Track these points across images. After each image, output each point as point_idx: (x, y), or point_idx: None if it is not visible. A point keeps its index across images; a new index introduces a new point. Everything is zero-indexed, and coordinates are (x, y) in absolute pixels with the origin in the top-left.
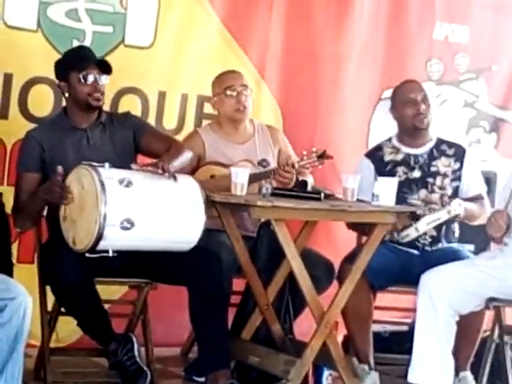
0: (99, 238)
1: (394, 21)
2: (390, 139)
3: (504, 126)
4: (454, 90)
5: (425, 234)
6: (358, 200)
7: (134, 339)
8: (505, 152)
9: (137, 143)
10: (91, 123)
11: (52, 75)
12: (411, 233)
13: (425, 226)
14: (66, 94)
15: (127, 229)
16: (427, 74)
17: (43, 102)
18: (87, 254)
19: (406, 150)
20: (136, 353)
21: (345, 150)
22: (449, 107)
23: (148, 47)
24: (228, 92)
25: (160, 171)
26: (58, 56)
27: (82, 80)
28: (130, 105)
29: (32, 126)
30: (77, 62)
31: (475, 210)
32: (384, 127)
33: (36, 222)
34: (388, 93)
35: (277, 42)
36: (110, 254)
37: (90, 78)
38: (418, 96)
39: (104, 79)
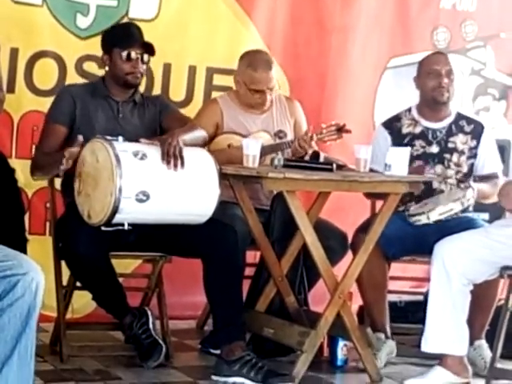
0: (115, 210)
1: None
2: (409, 109)
3: None
4: (460, 58)
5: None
6: (371, 170)
7: (149, 312)
8: None
9: (160, 122)
10: (125, 98)
11: (57, 49)
12: (422, 219)
13: (437, 215)
14: (107, 68)
15: (143, 201)
16: (433, 43)
17: (48, 75)
18: (103, 228)
19: (424, 123)
20: (151, 326)
21: (351, 119)
22: (455, 75)
23: (152, 20)
24: (253, 91)
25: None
26: (63, 30)
27: (125, 58)
28: None
29: (38, 99)
30: (122, 39)
31: (488, 190)
32: (390, 96)
33: (50, 177)
34: (394, 61)
35: (284, 12)
36: (126, 227)
37: (132, 57)
38: (443, 69)
39: (146, 59)
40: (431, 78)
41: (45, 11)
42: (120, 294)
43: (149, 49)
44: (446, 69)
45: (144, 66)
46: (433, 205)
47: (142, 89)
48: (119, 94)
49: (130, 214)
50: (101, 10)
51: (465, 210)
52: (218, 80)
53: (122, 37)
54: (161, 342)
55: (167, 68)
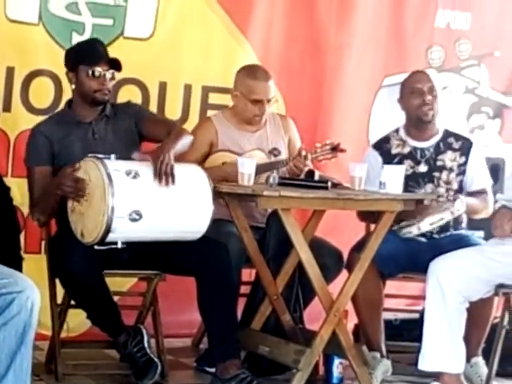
0: (108, 230)
1: (396, 9)
2: (397, 130)
3: (507, 111)
4: (454, 77)
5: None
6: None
7: (144, 331)
8: (509, 138)
9: (139, 130)
10: (96, 116)
11: (53, 67)
12: (413, 231)
13: (428, 226)
14: (73, 86)
15: (135, 220)
16: (428, 62)
17: (44, 94)
18: (96, 247)
19: (412, 143)
20: (146, 344)
21: (346, 137)
22: (449, 94)
23: (147, 38)
24: (254, 102)
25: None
26: (59, 49)
27: (91, 75)
28: (130, 95)
29: (34, 117)
30: (87, 56)
31: (477, 205)
32: (384, 114)
33: (53, 214)
34: (389, 80)
35: (279, 31)
36: (119, 246)
37: (98, 74)
38: (425, 86)
39: (112, 76)
40: (414, 96)
41: (41, 30)
42: (114, 312)
43: (115, 65)
44: (427, 86)
45: (111, 83)
46: (423, 216)
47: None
48: (89, 115)
49: (123, 233)
50: (96, 29)
51: (457, 226)
52: (214, 99)
53: (88, 53)
54: (156, 360)
55: (163, 86)
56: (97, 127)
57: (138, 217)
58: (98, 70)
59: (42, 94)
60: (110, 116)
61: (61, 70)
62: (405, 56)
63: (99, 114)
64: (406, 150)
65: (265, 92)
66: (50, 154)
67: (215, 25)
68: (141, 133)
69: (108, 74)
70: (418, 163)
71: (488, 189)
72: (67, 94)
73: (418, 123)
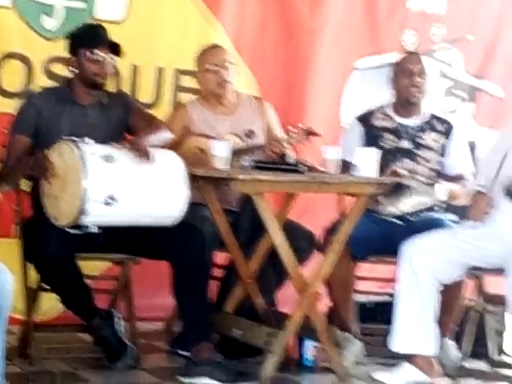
0: (81, 213)
1: None
2: (382, 106)
3: (481, 95)
4: (428, 60)
5: None
6: (344, 161)
7: (117, 314)
8: (482, 121)
9: (126, 122)
10: (92, 101)
11: (24, 51)
12: (393, 211)
13: (409, 207)
14: (73, 69)
15: (110, 204)
16: (401, 45)
17: (16, 77)
18: (70, 230)
19: (398, 119)
20: (119, 328)
21: (319, 121)
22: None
23: (120, 21)
24: (208, 68)
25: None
26: (30, 32)
27: (91, 57)
28: None
29: (5, 101)
30: (88, 40)
31: (457, 190)
32: (357, 97)
33: (15, 186)
34: (361, 63)
35: (252, 14)
36: (93, 230)
37: (99, 57)
38: (415, 68)
39: (113, 60)
40: (404, 76)
41: (13, 12)
42: (87, 296)
43: (115, 49)
44: (417, 67)
45: (111, 67)
46: (404, 197)
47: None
48: (86, 98)
49: (98, 216)
50: (68, 12)
51: (432, 208)
52: (186, 81)
53: (89, 37)
54: (129, 343)
55: (135, 70)
56: (91, 112)
57: (112, 201)
58: (99, 53)
59: (14, 77)
60: (105, 104)
61: (32, 53)
62: (378, 39)
63: (96, 99)
64: (390, 124)
65: (215, 55)
66: (35, 125)
67: (188, 8)
68: (127, 124)
69: (108, 58)
70: (400, 138)
71: (468, 175)
72: (38, 78)
73: (405, 102)
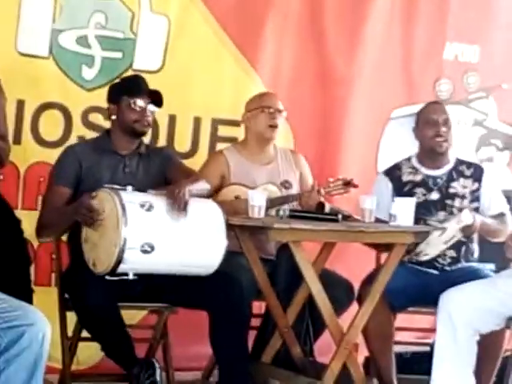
0: (119, 260)
1: (405, 41)
2: (409, 159)
3: None
4: (463, 109)
5: (444, 254)
6: (376, 218)
7: (157, 364)
8: None
9: (164, 174)
10: (131, 151)
11: (63, 100)
12: (429, 253)
13: (442, 244)
14: (114, 117)
15: (147, 252)
16: (436, 94)
17: (54, 126)
18: (107, 277)
19: (424, 171)
20: (158, 378)
21: (355, 171)
22: (458, 126)
23: (156, 71)
24: (265, 110)
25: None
26: (69, 81)
27: (132, 105)
28: None
29: (44, 150)
30: (130, 88)
31: (494, 224)
32: (393, 147)
33: (59, 236)
34: (397, 112)
35: (288, 63)
36: (131, 277)
37: (140, 105)
38: (440, 118)
39: (153, 109)
40: (429, 127)
41: (51, 63)
42: (129, 344)
43: (156, 98)
44: (442, 117)
45: (151, 116)
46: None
47: (147, 140)
48: (125, 147)
49: (135, 264)
50: (106, 62)
51: (468, 258)
52: (223, 131)
53: (130, 86)
54: None
55: (172, 119)
56: (129, 161)
57: (150, 249)
58: (140, 101)
59: (52, 126)
60: (144, 154)
61: (70, 103)
62: (413, 88)
63: (135, 149)
64: (418, 177)
65: (274, 100)
66: (75, 176)
67: (225, 58)
68: (165, 176)
69: (149, 107)
70: (430, 191)
71: (506, 211)
72: (77, 127)
73: (431, 154)
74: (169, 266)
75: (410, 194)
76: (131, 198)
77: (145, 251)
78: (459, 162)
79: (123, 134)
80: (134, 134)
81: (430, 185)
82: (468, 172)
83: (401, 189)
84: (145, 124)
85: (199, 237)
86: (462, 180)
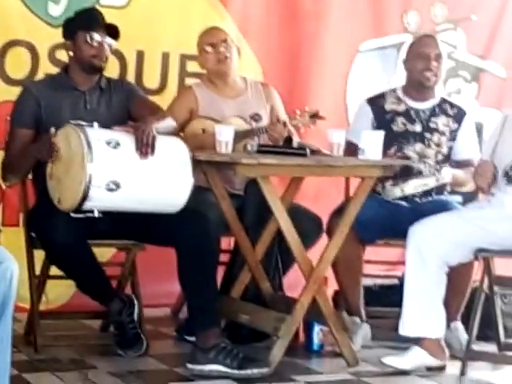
0: (84, 198)
1: None
2: (394, 90)
3: (484, 75)
4: None
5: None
6: (349, 142)
7: (136, 302)
8: (485, 101)
9: (128, 108)
10: (91, 86)
11: (29, 38)
12: (396, 192)
13: (411, 189)
14: (71, 53)
15: (113, 190)
16: (403, 26)
17: (21, 64)
18: (72, 214)
19: (409, 102)
20: (136, 318)
21: (324, 104)
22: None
23: (124, 6)
24: (207, 48)
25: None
26: (35, 18)
27: (89, 40)
28: (108, 64)
29: (10, 88)
30: (85, 23)
31: (463, 176)
32: (362, 80)
33: (23, 177)
34: (365, 45)
35: (258, 1)
36: (96, 215)
37: (97, 39)
38: (432, 52)
39: (110, 42)
40: (420, 60)
41: (16, 0)
42: (103, 279)
43: (112, 32)
44: (435, 52)
45: (109, 50)
46: (407, 178)
47: (115, 76)
48: (84, 82)
49: (100, 202)
50: None
51: (439, 192)
52: (192, 67)
53: (85, 20)
54: (143, 336)
55: (140, 55)
56: (90, 97)
57: (115, 187)
58: (96, 35)
59: (19, 64)
60: (105, 89)
61: (37, 40)
62: (381, 21)
63: (95, 84)
64: (401, 107)
65: (213, 35)
66: (35, 116)
67: None
68: (129, 111)
69: (106, 40)
70: (411, 122)
71: (475, 161)
72: (44, 64)
73: (418, 86)
74: (135, 204)
75: (391, 122)
76: (97, 134)
77: (110, 189)
78: (443, 101)
79: (81, 69)
80: (92, 69)
81: (413, 116)
82: (451, 112)
83: (382, 116)
84: (103, 59)
85: (165, 175)
86: (443, 117)
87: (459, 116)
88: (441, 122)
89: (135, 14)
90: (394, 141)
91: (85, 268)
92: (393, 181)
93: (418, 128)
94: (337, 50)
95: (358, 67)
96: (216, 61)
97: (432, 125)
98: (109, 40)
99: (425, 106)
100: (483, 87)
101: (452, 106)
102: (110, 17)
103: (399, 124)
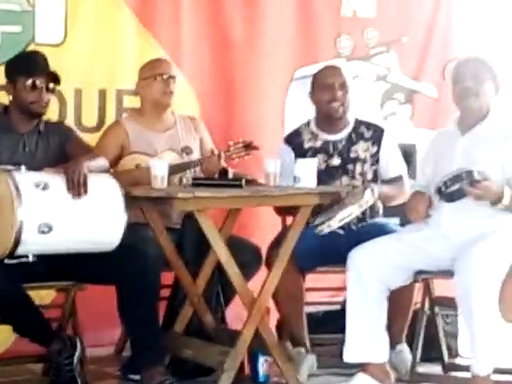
0: (16, 243)
1: (302, 1)
2: (308, 123)
3: (417, 96)
4: (365, 65)
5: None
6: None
7: (79, 344)
8: (419, 122)
9: (64, 151)
10: (30, 129)
11: None
12: (324, 229)
13: (337, 222)
14: (11, 97)
15: (45, 233)
16: (337, 51)
17: None
18: (6, 260)
19: (323, 136)
20: (76, 360)
21: (261, 134)
22: (361, 82)
23: (59, 44)
24: (158, 78)
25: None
26: None
27: (28, 86)
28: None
29: None
30: (26, 68)
31: (392, 191)
32: (298, 107)
33: None
34: (300, 72)
35: (187, 29)
36: (30, 259)
37: (37, 86)
38: (336, 82)
39: (51, 89)
40: (325, 92)
41: None
42: (42, 320)
43: (54, 77)
44: (338, 81)
45: (49, 95)
46: (333, 213)
47: (55, 116)
48: (23, 125)
49: (33, 245)
50: (6, 37)
51: (373, 215)
52: (129, 102)
53: (26, 65)
54: (79, 380)
55: (78, 93)
56: (28, 140)
57: (47, 229)
58: (36, 81)
59: None
60: (43, 132)
61: None
62: (314, 47)
63: (33, 127)
64: (318, 143)
65: (167, 67)
66: None
67: (124, 27)
68: (66, 153)
69: (47, 86)
70: (330, 156)
71: (403, 174)
72: None
73: (328, 118)
74: (70, 245)
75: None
76: (25, 178)
77: (42, 232)
78: (358, 123)
79: (21, 113)
80: (32, 114)
81: (330, 150)
82: (367, 134)
83: (303, 156)
84: (43, 105)
85: (97, 213)
86: (361, 143)
87: (377, 136)
88: (360, 148)
89: (71, 51)
90: (318, 179)
91: (22, 312)
92: (318, 217)
93: (339, 161)
94: (272, 78)
95: (293, 96)
96: (162, 92)
97: (352, 154)
98: (50, 86)
99: (340, 136)
100: (417, 108)
101: (368, 126)
102: (46, 55)
103: (321, 162)
